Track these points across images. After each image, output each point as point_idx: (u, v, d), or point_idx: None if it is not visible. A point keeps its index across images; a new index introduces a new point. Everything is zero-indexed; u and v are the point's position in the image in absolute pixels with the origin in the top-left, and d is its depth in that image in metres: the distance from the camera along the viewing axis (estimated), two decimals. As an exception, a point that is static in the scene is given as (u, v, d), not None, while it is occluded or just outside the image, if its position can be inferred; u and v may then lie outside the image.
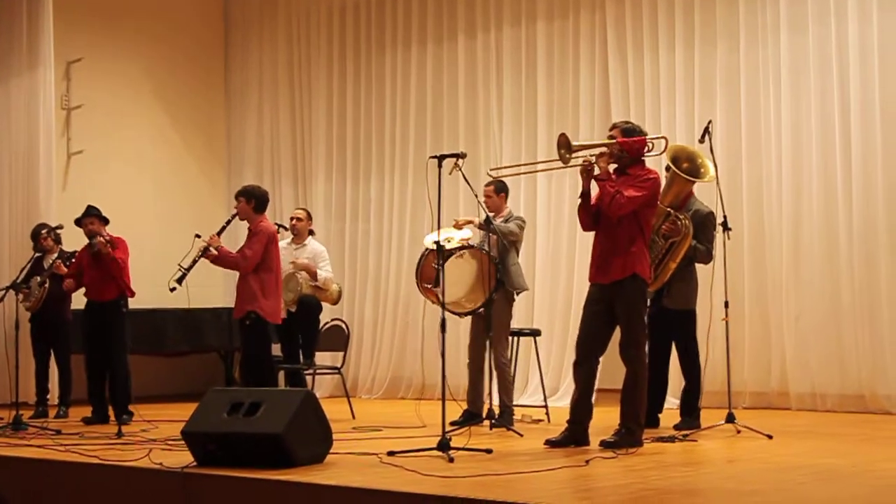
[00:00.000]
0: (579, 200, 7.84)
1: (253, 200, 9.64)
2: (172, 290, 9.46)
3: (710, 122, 9.01)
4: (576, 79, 12.05)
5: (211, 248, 9.47)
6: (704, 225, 8.87)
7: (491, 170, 8.73)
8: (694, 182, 8.86)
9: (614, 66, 11.75)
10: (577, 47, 12.07)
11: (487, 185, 9.66)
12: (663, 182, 8.46)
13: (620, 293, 7.66)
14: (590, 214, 7.82)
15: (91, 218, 10.28)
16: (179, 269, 9.47)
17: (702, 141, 8.92)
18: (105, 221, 10.32)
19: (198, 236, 9.61)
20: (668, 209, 8.72)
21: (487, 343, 9.27)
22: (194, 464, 6.78)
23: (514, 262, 9.46)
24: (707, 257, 8.92)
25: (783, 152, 10.78)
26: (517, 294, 9.59)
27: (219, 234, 9.57)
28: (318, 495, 6.09)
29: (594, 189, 7.77)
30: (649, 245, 8.47)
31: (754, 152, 10.95)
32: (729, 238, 8.84)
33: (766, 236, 10.85)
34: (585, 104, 11.94)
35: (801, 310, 10.60)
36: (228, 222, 9.77)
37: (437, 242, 8.07)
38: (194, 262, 9.54)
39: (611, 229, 7.70)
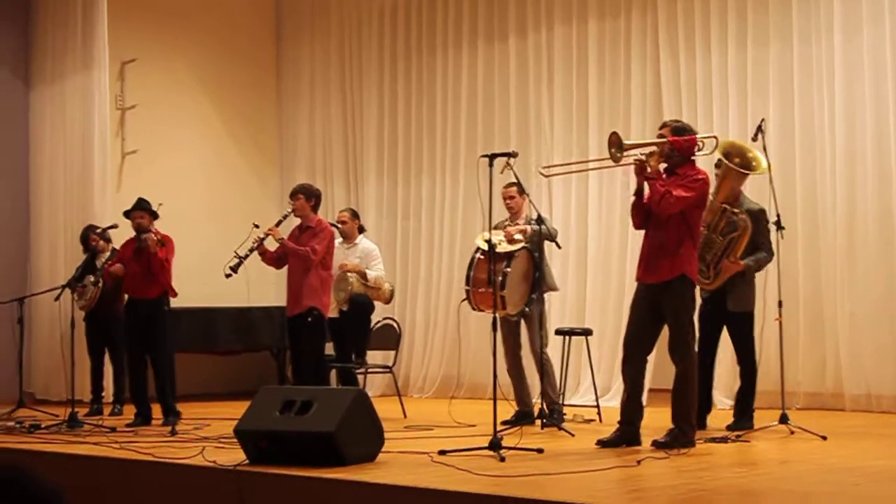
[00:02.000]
0: (633, 198, 7.81)
1: (313, 199, 9.75)
2: (228, 276, 9.50)
3: (762, 120, 8.98)
4: (627, 78, 11.99)
5: (269, 240, 9.54)
6: (758, 221, 8.81)
7: (542, 168, 8.69)
8: (747, 175, 8.79)
9: (666, 65, 11.68)
10: (628, 46, 12.01)
11: (508, 185, 9.54)
12: (713, 183, 8.41)
13: (668, 293, 7.63)
14: (642, 213, 7.79)
15: (141, 212, 10.11)
16: (235, 257, 9.52)
17: (755, 139, 8.87)
18: (154, 216, 10.20)
19: (256, 226, 9.67)
20: (724, 206, 8.67)
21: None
22: (247, 462, 6.82)
23: (546, 263, 9.48)
24: (769, 258, 8.86)
25: (837, 151, 10.67)
26: (546, 293, 9.58)
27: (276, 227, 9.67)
28: (368, 494, 6.10)
29: (647, 188, 7.75)
30: (704, 244, 8.47)
31: (808, 151, 10.86)
32: (782, 237, 8.79)
33: (820, 235, 10.75)
34: (637, 103, 11.88)
35: (855, 309, 10.48)
36: (285, 217, 9.83)
37: (488, 242, 8.05)
38: (251, 250, 9.60)
39: (659, 229, 7.68)
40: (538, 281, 9.16)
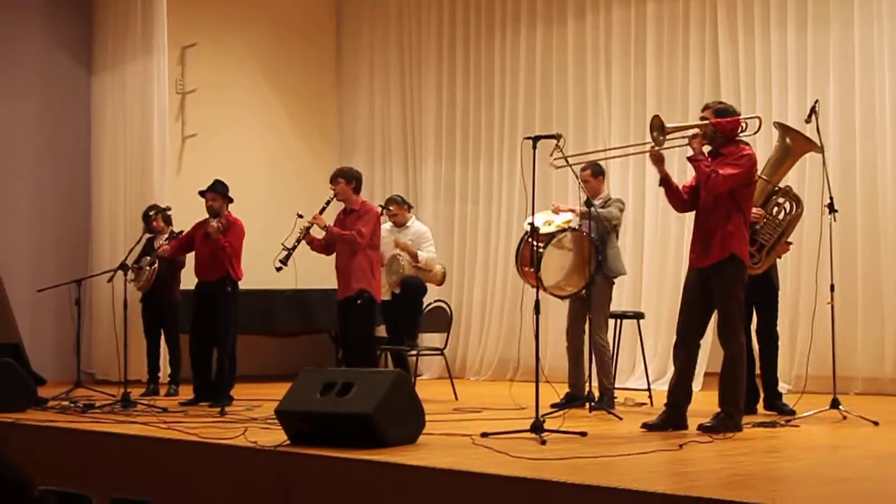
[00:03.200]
0: (661, 189, 7.76)
1: (353, 181, 9.76)
2: (279, 269, 9.58)
3: (816, 101, 8.83)
4: (685, 60, 11.88)
5: (316, 227, 9.58)
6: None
7: (553, 159, 8.56)
8: (813, 147, 8.69)
9: (724, 47, 11.56)
10: (686, 28, 11.90)
11: (583, 169, 9.57)
12: (760, 160, 8.32)
13: (718, 275, 7.56)
14: (678, 197, 7.78)
15: (214, 194, 10.19)
16: (283, 249, 9.58)
17: (808, 121, 8.75)
18: (229, 200, 10.27)
19: (300, 216, 9.71)
20: (782, 186, 8.63)
21: (587, 326, 9.24)
22: (287, 443, 6.86)
23: (612, 246, 9.42)
24: None
25: (897, 131, 10.52)
26: (615, 278, 9.54)
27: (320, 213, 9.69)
28: (405, 475, 6.10)
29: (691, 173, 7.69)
30: (763, 226, 8.38)
31: (868, 132, 10.69)
32: (835, 220, 8.65)
33: (879, 218, 10.59)
34: (695, 86, 11.76)
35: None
36: (328, 203, 9.85)
37: (531, 224, 8.05)
38: (298, 241, 9.65)
39: (709, 213, 7.60)
40: (599, 264, 9.12)
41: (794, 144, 8.70)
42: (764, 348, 8.86)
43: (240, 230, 10.23)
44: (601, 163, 9.76)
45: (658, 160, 7.66)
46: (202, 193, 10.29)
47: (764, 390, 8.80)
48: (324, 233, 9.82)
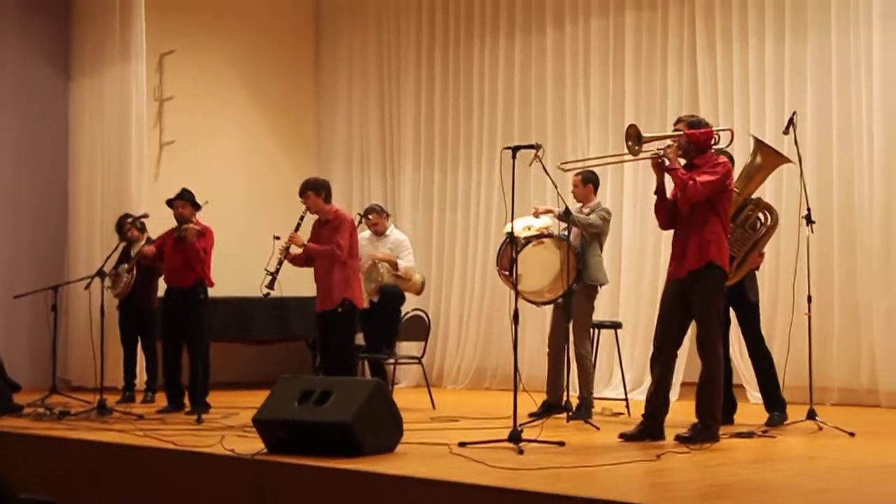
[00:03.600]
0: (655, 197, 7.77)
1: (322, 191, 9.67)
2: (266, 295, 9.57)
3: (794, 113, 8.86)
4: (664, 70, 11.91)
5: (293, 247, 9.55)
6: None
7: (562, 164, 8.70)
8: (782, 162, 8.71)
9: (702, 57, 11.59)
10: (665, 38, 11.92)
11: (576, 174, 9.62)
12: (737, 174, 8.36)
13: (696, 285, 7.56)
14: (667, 211, 7.75)
15: (183, 202, 10.23)
16: (267, 274, 9.57)
17: (786, 132, 8.79)
18: (197, 207, 10.30)
19: (276, 238, 9.69)
20: (753, 198, 8.63)
21: (570, 334, 9.25)
22: (265, 451, 6.84)
23: (595, 255, 9.41)
24: None
25: (875, 142, 10.53)
26: (600, 287, 9.55)
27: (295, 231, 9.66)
28: (382, 485, 6.10)
29: (669, 185, 7.70)
30: (733, 240, 8.40)
31: (845, 143, 10.73)
32: (812, 232, 8.67)
33: (856, 230, 10.62)
34: (673, 96, 11.80)
35: (892, 304, 10.36)
36: (302, 218, 9.80)
37: (509, 234, 8.07)
38: (280, 262, 9.62)
39: (687, 224, 7.61)
40: (580, 273, 9.15)
41: (764, 160, 8.71)
42: (757, 366, 8.87)
43: (211, 237, 10.27)
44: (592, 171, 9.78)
45: (659, 167, 7.66)
46: (170, 203, 10.31)
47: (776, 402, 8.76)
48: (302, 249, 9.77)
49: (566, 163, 8.27)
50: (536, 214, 9.39)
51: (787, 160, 8.73)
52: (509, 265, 8.70)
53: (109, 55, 13.15)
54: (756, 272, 8.84)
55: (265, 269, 9.60)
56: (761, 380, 8.85)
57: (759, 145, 8.80)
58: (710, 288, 7.59)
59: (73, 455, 7.86)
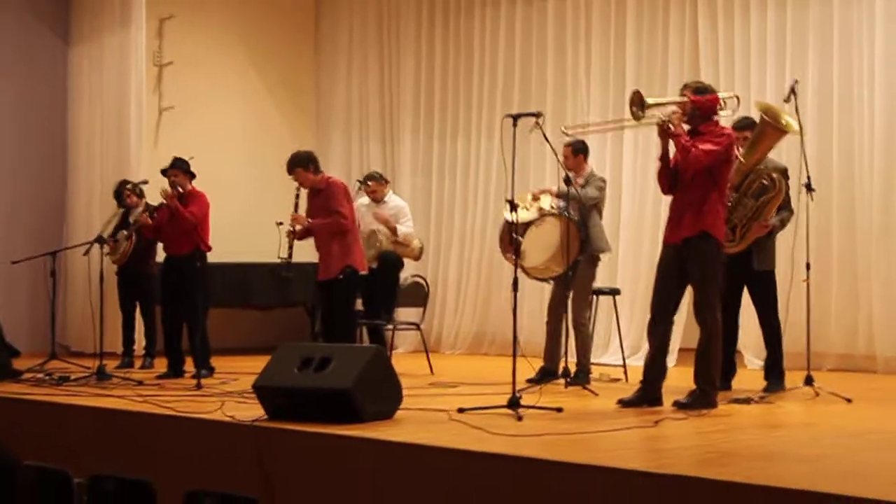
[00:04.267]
0: (658, 163, 7.77)
1: (310, 165, 9.61)
2: (287, 280, 9.60)
3: (795, 81, 8.83)
4: (665, 39, 11.87)
5: (297, 227, 9.55)
6: (784, 180, 8.70)
7: (564, 128, 8.73)
8: (784, 134, 8.66)
9: (704, 25, 11.56)
10: (666, 5, 11.89)
11: (566, 145, 9.59)
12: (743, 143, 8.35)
13: (691, 253, 7.59)
14: (670, 176, 7.74)
15: (175, 170, 10.22)
16: (282, 260, 9.59)
17: (787, 100, 8.76)
18: (191, 175, 10.30)
19: (279, 224, 9.70)
20: (756, 166, 8.58)
21: (568, 303, 9.27)
22: (265, 418, 6.87)
23: (595, 225, 9.44)
24: (790, 216, 8.77)
25: (875, 110, 10.54)
26: (602, 256, 9.57)
27: (295, 211, 9.65)
28: (382, 451, 6.13)
29: (673, 151, 7.70)
30: (733, 206, 8.40)
31: (846, 110, 10.73)
32: (812, 199, 8.66)
33: (856, 197, 10.63)
34: (674, 63, 11.77)
35: (891, 271, 10.37)
36: (297, 196, 9.80)
37: (510, 201, 8.05)
38: (290, 246, 9.64)
39: (686, 189, 7.63)
40: (583, 245, 9.15)
41: (765, 131, 8.64)
42: (764, 335, 8.85)
43: (203, 201, 10.24)
44: (584, 139, 9.76)
45: (665, 133, 7.65)
46: (164, 172, 10.29)
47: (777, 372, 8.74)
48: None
49: (568, 127, 8.29)
50: (536, 198, 9.38)
51: (785, 134, 8.66)
52: (513, 248, 8.67)
53: (109, 20, 13.10)
54: (771, 241, 8.75)
55: (279, 256, 9.62)
56: (767, 349, 8.86)
57: (761, 118, 8.71)
58: (707, 256, 7.61)
59: (73, 421, 7.89)
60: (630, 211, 11.96)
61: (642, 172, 11.84)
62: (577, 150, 9.61)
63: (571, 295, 9.28)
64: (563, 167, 9.21)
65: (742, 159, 8.48)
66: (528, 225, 9.04)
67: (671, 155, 7.73)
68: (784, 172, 8.72)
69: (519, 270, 8.21)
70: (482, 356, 12.70)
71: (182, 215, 9.99)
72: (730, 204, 8.39)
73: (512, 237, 8.64)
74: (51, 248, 11.26)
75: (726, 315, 8.30)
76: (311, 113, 14.87)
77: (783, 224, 8.76)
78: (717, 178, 7.61)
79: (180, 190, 10.09)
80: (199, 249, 10.00)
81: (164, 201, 10.04)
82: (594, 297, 10.09)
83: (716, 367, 7.68)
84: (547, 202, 9.34)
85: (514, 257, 8.57)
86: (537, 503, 5.40)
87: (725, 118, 8.03)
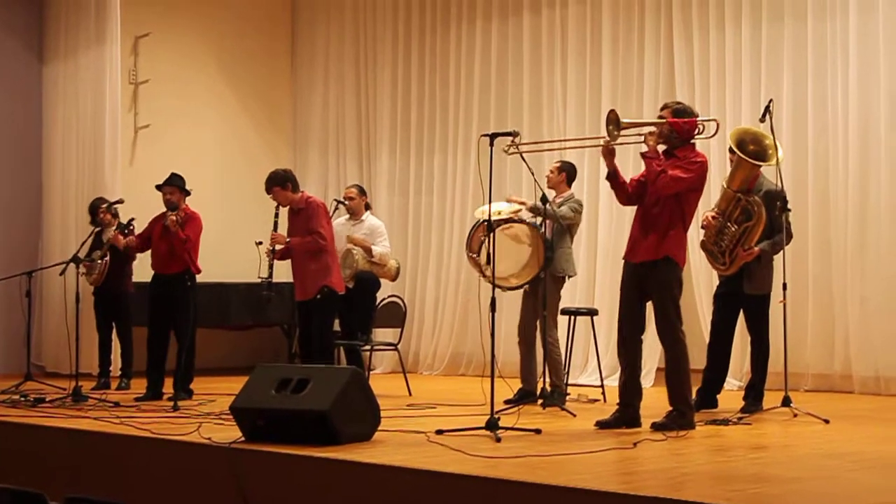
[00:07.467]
0: (608, 182, 7.83)
1: (287, 183, 9.66)
2: (268, 300, 9.77)
3: (770, 101, 8.83)
4: (640, 55, 11.91)
5: (277, 246, 9.55)
6: (775, 203, 8.63)
7: (505, 147, 8.62)
8: (760, 166, 8.65)
9: (679, 42, 11.61)
10: (642, 23, 11.92)
11: (555, 162, 9.79)
12: (725, 169, 8.36)
13: (653, 273, 7.64)
14: (623, 191, 7.83)
15: (172, 188, 10.16)
16: (262, 280, 9.58)
17: (762, 120, 8.76)
18: (186, 193, 10.23)
19: (259, 243, 9.70)
20: (738, 194, 8.55)
21: (538, 322, 9.26)
22: (242, 439, 6.84)
23: (565, 247, 9.46)
24: (786, 240, 8.72)
25: (850, 130, 10.58)
26: (568, 278, 9.57)
27: (275, 230, 9.65)
28: (360, 473, 6.11)
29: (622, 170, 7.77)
30: (718, 232, 8.44)
31: (821, 130, 10.77)
32: (787, 220, 8.68)
33: (831, 215, 10.67)
34: (650, 81, 11.81)
35: (866, 291, 10.41)
36: (277, 215, 9.80)
37: (480, 220, 8.06)
38: (270, 266, 9.67)
39: (651, 209, 7.66)
40: (547, 261, 9.14)
41: (739, 161, 8.56)
42: (752, 357, 8.88)
43: (198, 223, 10.22)
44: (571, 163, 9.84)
45: (609, 154, 7.70)
46: (159, 188, 10.24)
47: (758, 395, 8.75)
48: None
49: (512, 144, 8.30)
50: (510, 201, 9.41)
51: (757, 167, 8.61)
52: (478, 248, 8.74)
53: (84, 37, 13.04)
54: (763, 264, 8.72)
55: (259, 277, 9.62)
56: (752, 370, 8.86)
57: (738, 157, 8.61)
58: (666, 276, 7.66)
59: (48, 443, 7.82)
60: (607, 231, 11.97)
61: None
62: (564, 170, 9.64)
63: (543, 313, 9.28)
64: (540, 187, 9.20)
65: (726, 186, 8.52)
66: (498, 224, 8.93)
67: (621, 173, 7.82)
68: (774, 196, 8.66)
69: (478, 274, 8.21)
70: (460, 377, 12.67)
71: (182, 239, 9.94)
72: (718, 227, 8.45)
73: (481, 239, 8.63)
74: (26, 268, 11.20)
75: (717, 342, 8.34)
76: (288, 131, 14.85)
77: (775, 249, 8.70)
78: (683, 205, 7.64)
79: (182, 215, 10.02)
80: (188, 269, 9.97)
81: (170, 226, 9.95)
82: (571, 317, 10.10)
83: (687, 385, 7.69)
84: (516, 208, 9.34)
85: (474, 256, 8.60)
86: (516, 526, 5.39)
87: (714, 142, 8.02)
